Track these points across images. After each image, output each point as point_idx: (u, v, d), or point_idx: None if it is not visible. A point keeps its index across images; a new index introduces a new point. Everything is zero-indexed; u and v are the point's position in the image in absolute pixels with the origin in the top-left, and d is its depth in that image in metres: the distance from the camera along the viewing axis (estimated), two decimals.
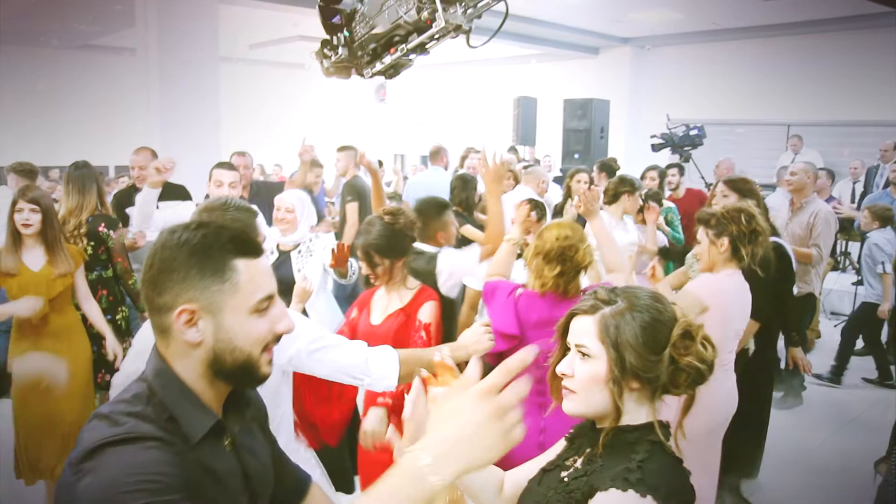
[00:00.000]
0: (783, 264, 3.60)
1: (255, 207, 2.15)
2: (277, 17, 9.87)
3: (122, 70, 13.06)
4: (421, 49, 2.41)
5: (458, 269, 3.10)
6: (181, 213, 3.95)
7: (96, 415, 1.08)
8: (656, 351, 1.27)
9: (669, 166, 6.42)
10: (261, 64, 15.59)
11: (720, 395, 2.85)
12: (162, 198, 4.43)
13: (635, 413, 1.30)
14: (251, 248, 1.14)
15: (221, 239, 1.12)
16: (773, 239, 3.61)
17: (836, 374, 5.50)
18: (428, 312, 2.66)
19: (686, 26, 11.02)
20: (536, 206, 3.48)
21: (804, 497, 3.83)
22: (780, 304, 3.55)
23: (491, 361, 2.72)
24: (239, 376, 1.14)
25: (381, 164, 9.38)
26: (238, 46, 13.00)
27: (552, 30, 11.09)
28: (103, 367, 3.72)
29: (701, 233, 2.90)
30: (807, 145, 10.25)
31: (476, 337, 2.10)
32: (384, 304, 2.74)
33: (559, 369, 1.34)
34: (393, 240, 2.65)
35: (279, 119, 15.91)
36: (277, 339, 1.17)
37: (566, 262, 2.50)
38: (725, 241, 2.80)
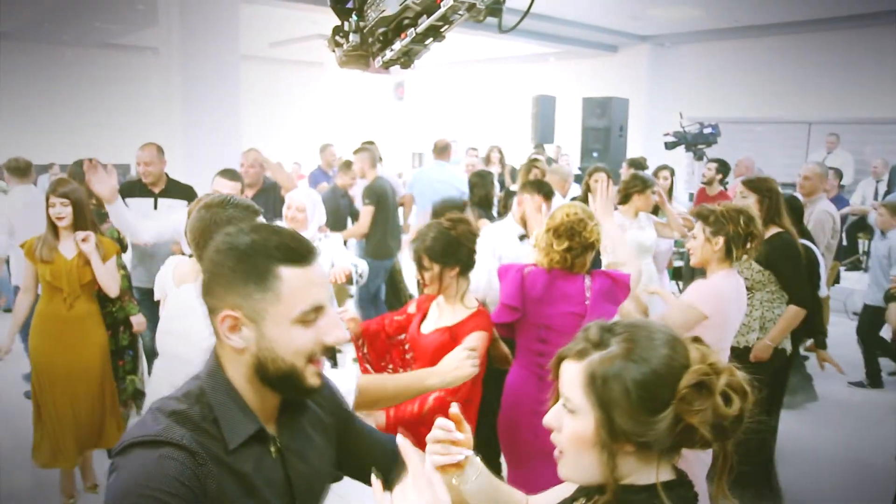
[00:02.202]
0: (811, 267, 3.59)
1: (256, 206, 2.06)
2: (296, 16, 9.93)
3: (145, 68, 13.19)
4: (435, 34, 2.26)
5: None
6: (175, 220, 3.77)
7: (149, 407, 1.12)
8: (655, 410, 1.01)
9: (711, 160, 6.38)
10: (280, 62, 15.69)
11: None
12: (164, 195, 4.39)
13: (639, 474, 1.07)
14: (300, 256, 1.10)
15: (268, 246, 1.09)
16: (803, 241, 3.61)
17: (873, 378, 5.44)
18: (474, 341, 2.43)
19: (706, 23, 10.92)
20: (541, 188, 3.61)
21: (826, 491, 3.83)
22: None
23: (502, 333, 2.78)
24: (283, 386, 1.13)
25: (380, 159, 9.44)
26: (258, 45, 13.09)
27: (570, 28, 11.04)
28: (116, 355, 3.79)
29: (698, 228, 2.90)
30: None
31: (456, 363, 1.89)
32: (437, 314, 2.63)
33: (544, 421, 1.13)
34: (446, 245, 2.51)
35: (298, 117, 16.00)
36: (326, 350, 1.13)
37: (574, 237, 2.62)
38: (720, 240, 2.80)
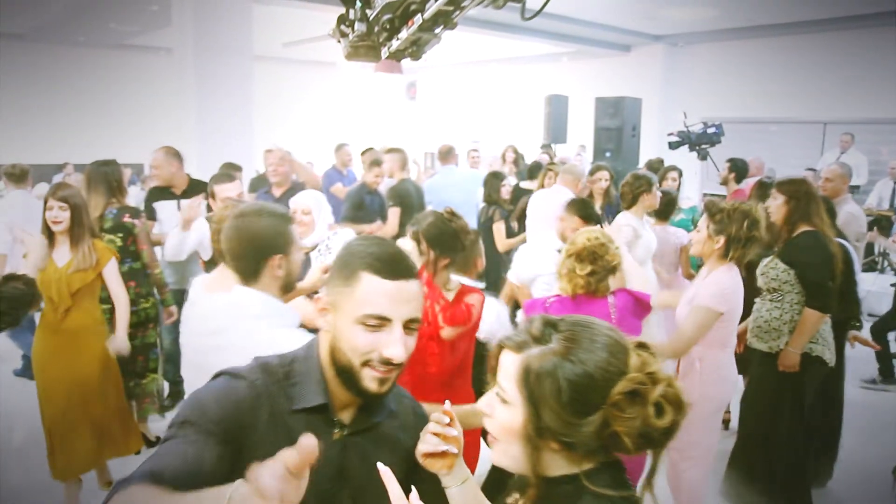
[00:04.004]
0: (847, 266, 3.57)
1: (288, 213, 2.02)
2: (309, 16, 9.95)
3: (159, 69, 13.28)
4: (446, 20, 2.13)
5: (494, 324, 3.05)
6: (200, 226, 3.96)
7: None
8: (584, 413, 1.01)
9: (730, 160, 6.36)
10: (293, 62, 15.74)
11: (716, 378, 2.90)
12: (185, 195, 4.39)
13: (570, 467, 1.07)
14: (384, 269, 1.22)
15: (363, 252, 1.25)
16: (837, 240, 3.57)
17: (887, 376, 5.38)
18: (474, 298, 2.59)
19: (719, 23, 10.86)
20: (581, 211, 3.60)
21: (831, 492, 3.79)
22: (843, 298, 3.55)
23: None
24: (345, 378, 1.24)
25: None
26: (271, 45, 13.13)
27: (584, 27, 11.00)
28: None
29: (703, 222, 2.95)
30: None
31: (472, 411, 1.64)
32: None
33: (479, 403, 1.15)
34: (444, 234, 2.56)
35: (310, 117, 16.04)
36: (383, 362, 1.21)
37: (597, 260, 2.64)
38: (721, 239, 2.86)
